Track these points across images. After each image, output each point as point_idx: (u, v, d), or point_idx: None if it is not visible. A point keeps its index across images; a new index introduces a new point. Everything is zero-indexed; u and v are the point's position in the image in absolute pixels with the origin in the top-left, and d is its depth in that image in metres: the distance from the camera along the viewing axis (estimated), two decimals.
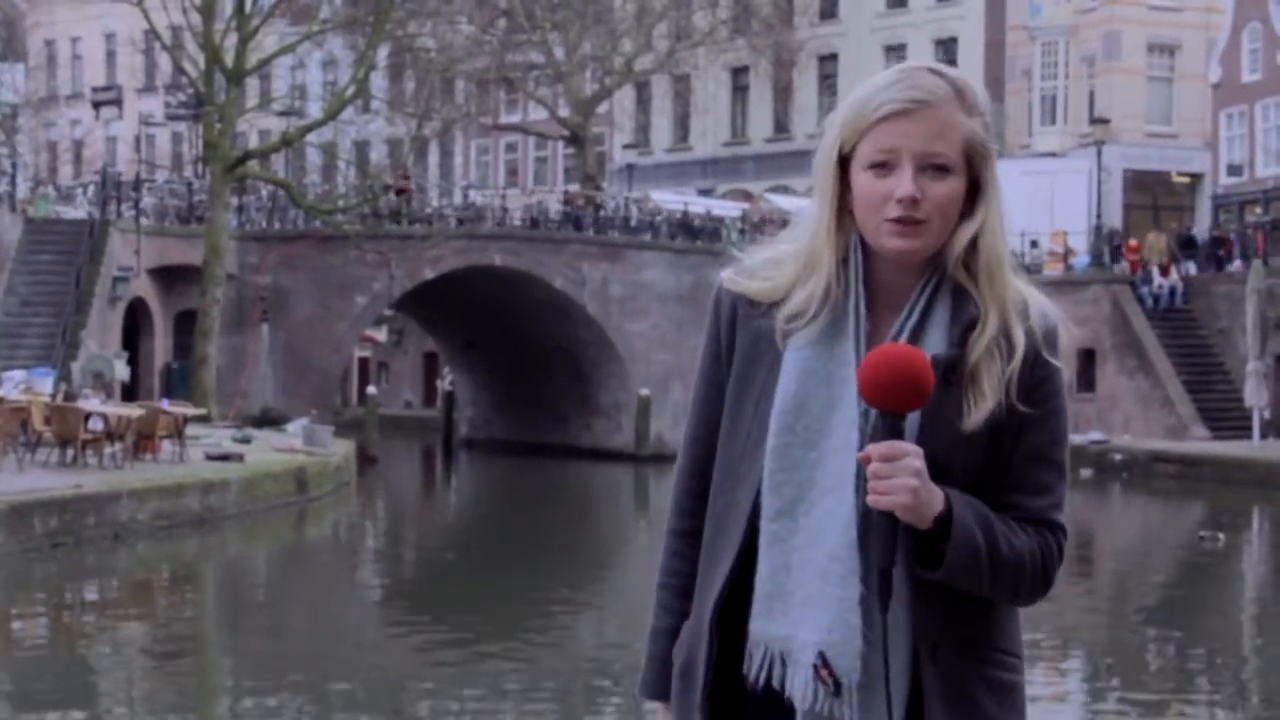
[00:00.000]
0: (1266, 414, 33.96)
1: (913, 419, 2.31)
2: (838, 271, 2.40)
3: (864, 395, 2.28)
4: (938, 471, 2.30)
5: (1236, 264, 38.41)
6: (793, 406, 2.38)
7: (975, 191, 2.39)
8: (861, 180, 2.37)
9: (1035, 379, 2.38)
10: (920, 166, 2.33)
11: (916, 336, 2.37)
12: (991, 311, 2.37)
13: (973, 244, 2.39)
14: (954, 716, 2.35)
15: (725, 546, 2.45)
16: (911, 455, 2.26)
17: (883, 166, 2.34)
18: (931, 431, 2.32)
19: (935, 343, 2.36)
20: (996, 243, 2.40)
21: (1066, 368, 2.42)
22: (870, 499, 2.26)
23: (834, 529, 2.34)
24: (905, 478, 2.25)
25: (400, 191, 40.72)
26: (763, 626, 2.39)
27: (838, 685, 2.33)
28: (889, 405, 2.26)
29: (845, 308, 2.40)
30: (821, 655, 2.33)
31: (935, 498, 2.28)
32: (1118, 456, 33.41)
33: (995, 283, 2.39)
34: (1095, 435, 34.78)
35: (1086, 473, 31.69)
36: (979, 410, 2.34)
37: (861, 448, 2.31)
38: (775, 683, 2.38)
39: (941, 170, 2.34)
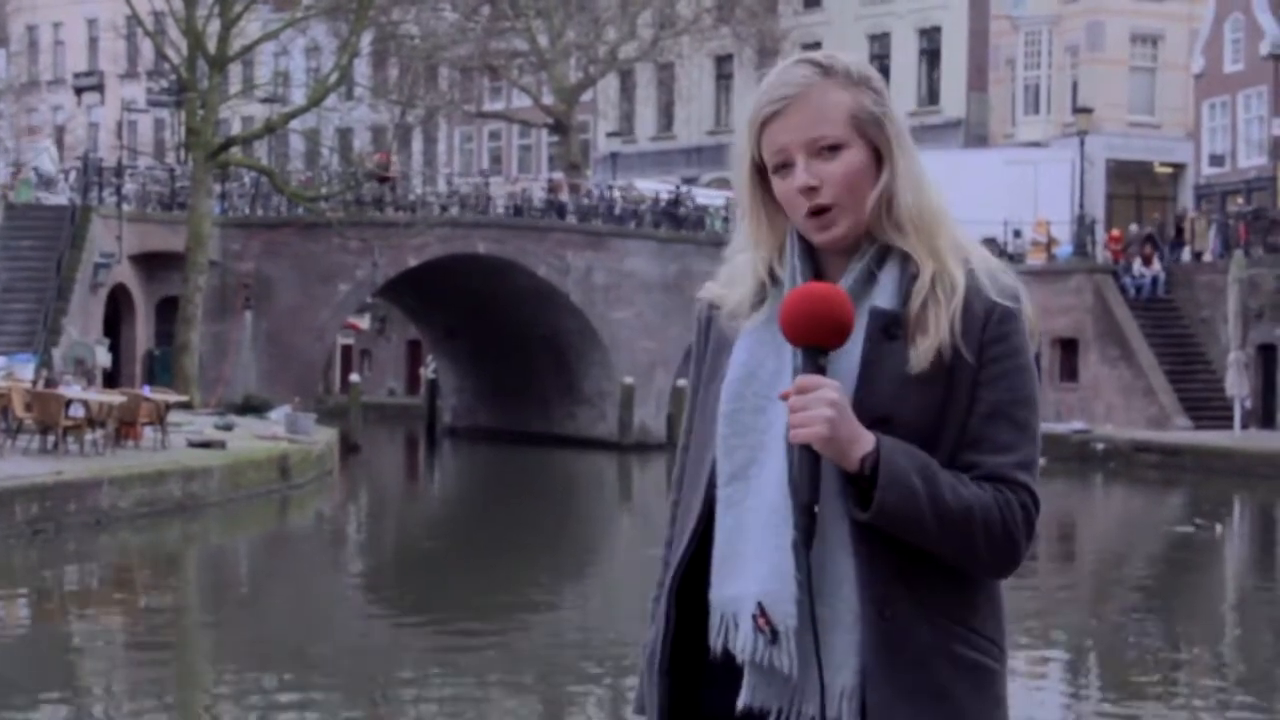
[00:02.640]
0: (1248, 404, 34.06)
1: (849, 371, 2.33)
2: (776, 265, 2.45)
3: (784, 332, 2.32)
4: (878, 423, 2.31)
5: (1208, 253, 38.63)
6: (743, 375, 2.42)
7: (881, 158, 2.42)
8: (775, 184, 2.42)
9: (991, 336, 2.38)
10: (811, 154, 2.37)
11: (858, 297, 2.37)
12: (926, 259, 2.39)
13: (890, 205, 2.40)
14: (900, 675, 2.32)
15: (686, 524, 2.48)
16: (827, 387, 2.28)
17: (784, 167, 2.40)
18: (870, 381, 2.33)
19: (883, 301, 2.38)
20: (910, 196, 2.40)
21: (1031, 329, 2.41)
22: (790, 435, 2.28)
23: (775, 483, 2.35)
24: (820, 408, 2.26)
25: (383, 179, 40.62)
26: (719, 592, 2.40)
27: (774, 633, 2.33)
28: (807, 340, 2.30)
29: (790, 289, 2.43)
30: (759, 605, 2.34)
31: (860, 437, 2.29)
32: (1100, 446, 33.49)
33: (922, 232, 2.40)
34: (1077, 425, 34.87)
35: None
36: (922, 348, 2.35)
37: None
38: (730, 646, 2.38)
39: (833, 149, 2.38)
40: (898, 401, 2.33)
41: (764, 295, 2.45)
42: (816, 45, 50.65)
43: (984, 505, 2.32)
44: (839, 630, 2.32)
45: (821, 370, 2.30)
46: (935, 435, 2.35)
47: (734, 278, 2.52)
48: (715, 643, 2.39)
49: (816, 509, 2.28)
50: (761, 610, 2.33)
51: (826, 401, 2.26)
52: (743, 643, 2.35)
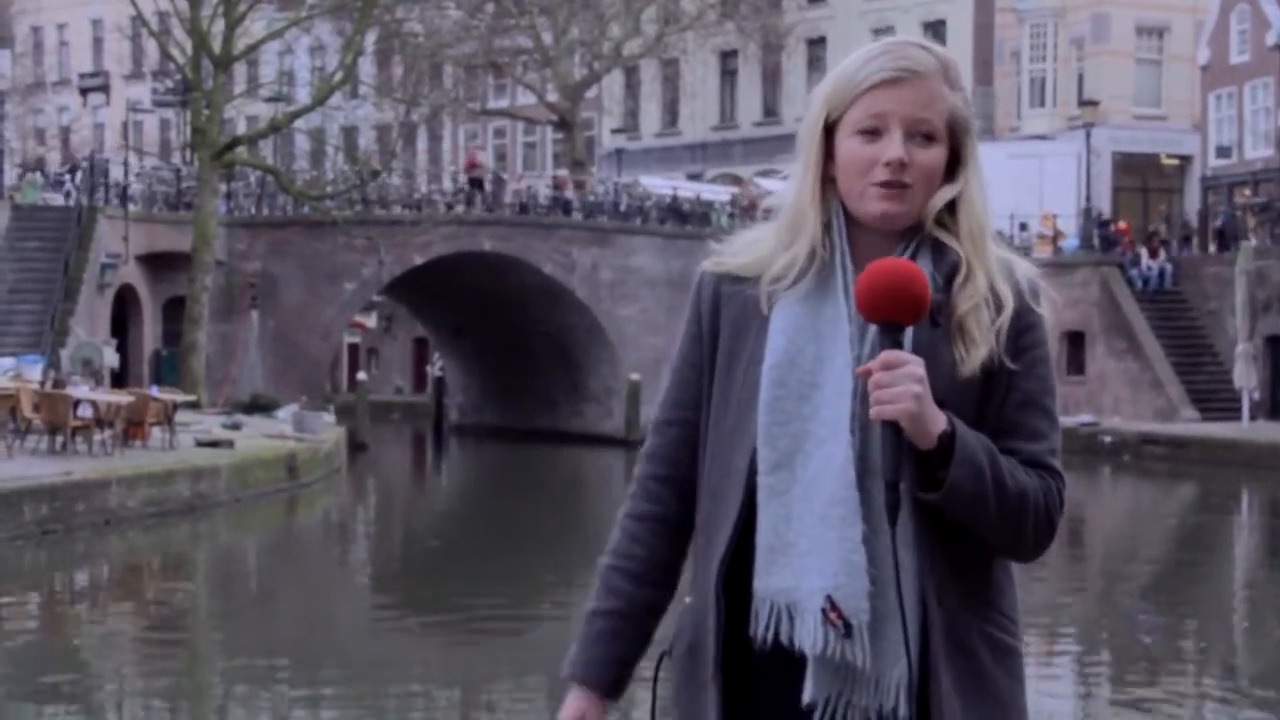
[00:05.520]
0: (1255, 395, 34.04)
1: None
2: (822, 235, 2.43)
3: (862, 309, 2.30)
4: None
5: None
6: (784, 360, 2.40)
7: (956, 163, 2.44)
8: (849, 145, 2.40)
9: (1022, 326, 2.41)
10: (909, 133, 2.38)
11: None
12: (977, 269, 2.41)
13: (953, 210, 2.43)
14: (956, 664, 2.35)
15: (725, 512, 2.44)
16: (913, 363, 2.27)
17: (872, 132, 2.39)
18: (927, 366, 2.31)
19: None
20: (977, 210, 2.44)
21: (1050, 325, 2.45)
22: (874, 411, 2.26)
23: (831, 474, 2.34)
24: (908, 384, 2.25)
25: (475, 182, 40.69)
26: (766, 582, 2.38)
27: (848, 627, 2.33)
28: (887, 316, 2.28)
29: (831, 267, 2.42)
30: (829, 599, 2.33)
31: (937, 415, 2.29)
32: (1107, 439, 33.46)
33: (978, 245, 2.43)
34: (1085, 418, 34.82)
35: None
36: (972, 356, 2.37)
37: (858, 389, 2.32)
38: (783, 638, 2.37)
39: (928, 138, 2.39)
40: (949, 392, 2.34)
41: (810, 266, 2.42)
42: (821, 40, 50.72)
43: (1034, 490, 2.37)
44: (895, 621, 2.32)
45: (899, 346, 2.29)
46: (977, 423, 2.37)
47: (759, 243, 2.48)
48: (763, 634, 2.38)
49: (901, 485, 2.28)
50: (832, 604, 2.33)
51: (914, 378, 2.26)
52: (810, 637, 2.34)
